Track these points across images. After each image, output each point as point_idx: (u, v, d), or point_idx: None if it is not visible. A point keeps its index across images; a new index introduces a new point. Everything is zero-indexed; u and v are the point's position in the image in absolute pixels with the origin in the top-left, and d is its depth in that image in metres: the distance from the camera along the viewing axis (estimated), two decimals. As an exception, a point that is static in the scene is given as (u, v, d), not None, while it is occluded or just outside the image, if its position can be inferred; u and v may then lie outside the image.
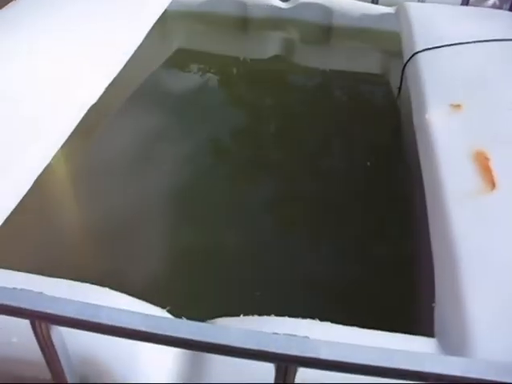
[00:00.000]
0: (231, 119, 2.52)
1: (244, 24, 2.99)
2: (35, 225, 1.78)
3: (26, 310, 0.80)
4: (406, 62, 2.32)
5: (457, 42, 2.25)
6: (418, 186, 1.70)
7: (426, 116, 1.82)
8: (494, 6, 3.03)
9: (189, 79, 2.79)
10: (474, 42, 2.26)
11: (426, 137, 1.75)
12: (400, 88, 2.46)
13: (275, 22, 2.96)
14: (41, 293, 0.82)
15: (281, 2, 2.95)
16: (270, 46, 3.05)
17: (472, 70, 2.07)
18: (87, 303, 0.80)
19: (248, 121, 2.55)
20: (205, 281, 1.69)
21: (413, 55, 2.28)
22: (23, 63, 2.03)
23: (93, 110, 1.93)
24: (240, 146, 2.38)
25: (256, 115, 2.60)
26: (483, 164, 1.56)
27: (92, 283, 1.19)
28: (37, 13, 2.42)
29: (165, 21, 2.82)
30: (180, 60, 2.95)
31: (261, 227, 1.94)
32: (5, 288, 0.82)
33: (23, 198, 1.50)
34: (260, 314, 1.17)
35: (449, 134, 1.71)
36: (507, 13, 2.74)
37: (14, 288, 0.82)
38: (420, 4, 2.82)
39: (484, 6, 2.96)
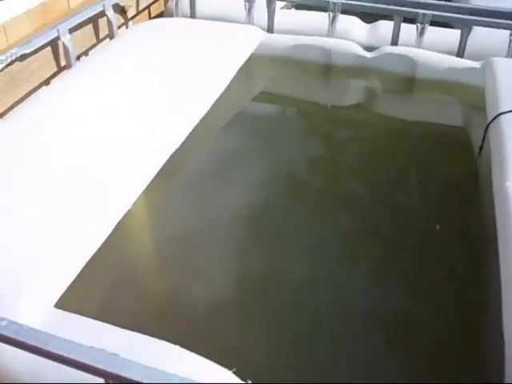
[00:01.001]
0: (310, 161, 2.57)
1: (327, 71, 3.02)
2: (114, 268, 1.86)
3: (101, 370, 0.86)
4: (490, 122, 2.26)
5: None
6: (492, 256, 1.67)
7: (507, 184, 1.78)
8: None
9: (270, 122, 2.85)
10: None
11: (505, 206, 1.71)
12: (481, 148, 2.40)
13: (358, 70, 2.96)
14: (116, 354, 0.87)
15: (366, 52, 2.96)
16: (351, 94, 3.08)
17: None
18: (158, 370, 0.85)
19: (325, 164, 2.58)
20: (270, 328, 1.72)
21: (497, 116, 2.22)
22: (107, 106, 2.15)
23: (175, 153, 2.01)
24: (317, 187, 2.42)
25: (333, 160, 2.63)
26: None
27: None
28: (124, 55, 2.56)
29: (250, 64, 2.89)
30: (262, 103, 3.04)
31: (328, 260, 1.98)
32: (84, 346, 0.88)
33: (104, 242, 1.57)
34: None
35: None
36: None
37: (92, 347, 0.88)
38: (508, 60, 2.75)
39: None
